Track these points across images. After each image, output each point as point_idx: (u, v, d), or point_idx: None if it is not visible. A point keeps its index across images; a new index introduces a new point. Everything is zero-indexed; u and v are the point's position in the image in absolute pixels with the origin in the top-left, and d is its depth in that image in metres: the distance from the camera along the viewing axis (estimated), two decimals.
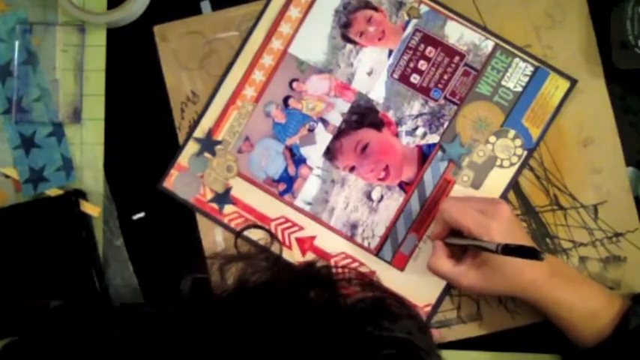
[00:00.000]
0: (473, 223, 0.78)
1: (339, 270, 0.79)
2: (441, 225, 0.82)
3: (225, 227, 0.88)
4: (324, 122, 0.88)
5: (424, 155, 0.88)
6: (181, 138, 0.89)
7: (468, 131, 0.87)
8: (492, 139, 0.87)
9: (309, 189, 0.88)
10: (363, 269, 0.87)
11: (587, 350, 0.79)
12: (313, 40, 0.89)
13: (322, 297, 0.65)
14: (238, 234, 0.87)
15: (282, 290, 0.66)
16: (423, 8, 0.88)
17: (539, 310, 0.81)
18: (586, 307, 0.78)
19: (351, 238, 0.88)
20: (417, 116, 0.88)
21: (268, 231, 0.87)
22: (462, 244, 0.81)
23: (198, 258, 0.87)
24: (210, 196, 0.89)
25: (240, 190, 0.89)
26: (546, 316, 0.81)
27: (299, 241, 0.88)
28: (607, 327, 0.77)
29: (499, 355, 0.86)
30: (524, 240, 0.80)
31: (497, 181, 0.87)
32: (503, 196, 0.87)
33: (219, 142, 0.89)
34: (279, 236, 0.88)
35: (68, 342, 0.72)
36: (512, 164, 0.87)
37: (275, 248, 0.86)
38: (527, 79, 0.87)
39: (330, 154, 0.88)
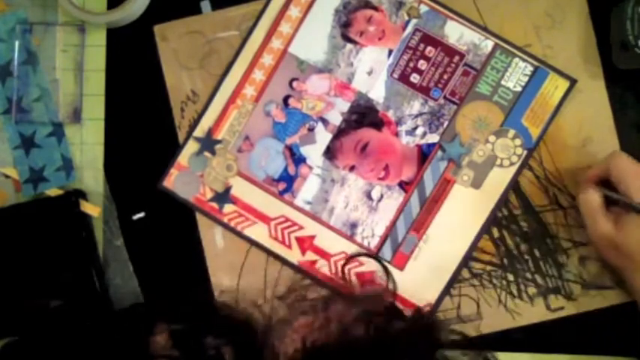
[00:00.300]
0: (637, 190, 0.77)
1: (342, 273, 0.80)
2: (599, 173, 0.81)
3: (225, 227, 0.88)
4: (324, 122, 0.89)
5: (424, 155, 0.88)
6: (181, 137, 0.89)
7: (467, 131, 0.87)
8: (492, 138, 0.87)
9: (308, 188, 0.88)
10: (362, 269, 0.87)
11: None
12: (313, 39, 0.89)
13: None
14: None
15: (385, 351, 0.67)
16: (423, 8, 0.88)
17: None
18: None
19: (350, 238, 0.88)
20: (416, 116, 0.88)
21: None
22: (613, 198, 0.80)
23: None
24: (210, 195, 0.89)
25: (240, 189, 0.89)
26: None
27: (299, 240, 0.88)
28: None
29: (499, 355, 0.86)
30: None
31: (497, 180, 0.87)
32: (503, 196, 0.87)
33: (219, 142, 0.89)
34: (279, 236, 0.88)
35: (68, 342, 0.72)
36: (512, 164, 0.87)
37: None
38: (526, 78, 0.87)
39: (330, 153, 0.88)
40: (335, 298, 0.80)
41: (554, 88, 0.87)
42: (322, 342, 0.72)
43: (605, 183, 0.81)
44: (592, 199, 0.80)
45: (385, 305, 0.81)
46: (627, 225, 0.77)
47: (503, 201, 0.87)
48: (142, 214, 0.89)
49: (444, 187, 0.87)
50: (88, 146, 0.89)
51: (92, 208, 0.87)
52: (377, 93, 0.88)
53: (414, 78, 0.88)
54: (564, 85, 0.87)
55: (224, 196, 0.88)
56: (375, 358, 0.69)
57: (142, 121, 0.90)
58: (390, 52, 0.88)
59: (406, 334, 0.75)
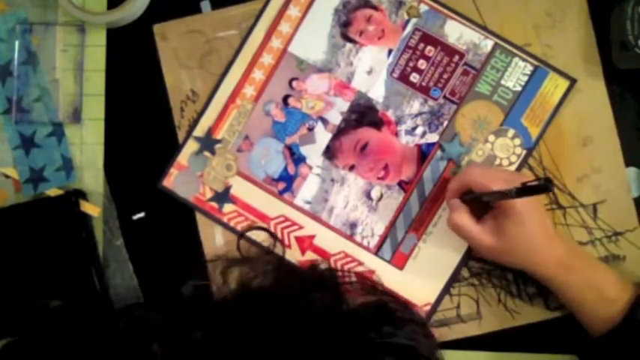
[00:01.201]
0: (503, 183, 0.77)
1: (342, 272, 0.80)
2: (461, 185, 0.82)
3: (225, 226, 0.88)
4: (324, 121, 0.89)
5: (423, 154, 0.88)
6: (181, 137, 0.89)
7: (467, 130, 0.87)
8: (492, 138, 0.87)
9: (308, 188, 0.88)
10: (361, 268, 0.87)
11: (597, 339, 0.78)
12: (313, 39, 0.89)
13: (326, 301, 0.65)
14: (240, 235, 0.87)
15: (285, 294, 0.66)
16: (423, 7, 0.88)
17: (552, 292, 0.81)
18: (597, 292, 0.78)
19: (350, 237, 0.88)
20: (416, 115, 0.88)
21: (270, 232, 0.87)
22: (475, 200, 0.80)
23: (199, 260, 0.88)
24: (209, 195, 0.89)
25: (240, 189, 0.89)
26: (556, 296, 0.81)
27: (298, 240, 0.88)
28: (617, 315, 0.76)
29: (498, 354, 0.87)
30: (546, 218, 0.79)
31: None
32: None
33: (218, 141, 0.89)
34: (279, 235, 0.88)
35: (68, 342, 0.72)
36: (511, 163, 0.87)
37: (277, 249, 0.86)
38: (526, 78, 0.87)
39: (329, 153, 0.88)
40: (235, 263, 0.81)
41: (554, 87, 0.87)
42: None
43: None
44: (460, 217, 0.80)
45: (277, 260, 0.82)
46: (506, 229, 0.78)
47: None
48: (142, 214, 0.89)
49: (443, 186, 0.87)
50: (88, 146, 0.89)
51: (92, 208, 0.87)
52: (377, 92, 0.88)
53: (414, 77, 0.88)
54: (564, 84, 0.87)
55: (224, 196, 0.89)
56: (280, 299, 0.68)
57: (142, 121, 0.90)
58: (390, 51, 0.88)
59: (304, 276, 0.75)
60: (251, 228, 0.87)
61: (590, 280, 0.78)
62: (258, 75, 0.89)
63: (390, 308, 0.68)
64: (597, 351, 0.79)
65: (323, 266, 0.83)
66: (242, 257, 0.78)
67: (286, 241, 0.88)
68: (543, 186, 0.69)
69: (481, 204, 0.80)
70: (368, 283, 0.82)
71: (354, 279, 0.82)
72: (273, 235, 0.87)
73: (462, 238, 0.83)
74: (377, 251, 0.88)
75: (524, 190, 0.72)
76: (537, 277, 0.80)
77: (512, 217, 0.77)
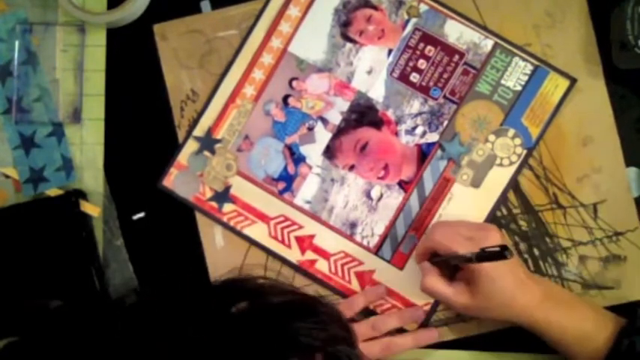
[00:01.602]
0: (465, 242, 0.78)
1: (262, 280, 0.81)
2: (425, 248, 0.83)
3: (225, 226, 0.88)
4: (324, 121, 0.89)
5: (423, 154, 0.88)
6: (181, 137, 0.90)
7: (467, 130, 0.87)
8: (492, 137, 0.87)
9: (308, 187, 0.88)
10: (361, 268, 0.87)
11: None
12: (313, 38, 0.89)
13: (245, 307, 0.67)
14: None
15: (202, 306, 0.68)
16: (423, 7, 0.88)
17: (531, 332, 0.81)
18: (579, 329, 0.78)
19: (350, 237, 0.88)
20: (416, 115, 0.88)
21: None
22: (445, 261, 0.80)
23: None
24: (209, 194, 0.89)
25: (240, 188, 0.89)
26: (543, 340, 0.80)
27: (298, 239, 0.88)
28: (601, 349, 0.77)
29: (498, 354, 0.87)
30: (516, 266, 0.79)
31: (496, 180, 0.87)
32: (502, 195, 0.87)
33: (218, 141, 0.89)
34: (279, 235, 0.88)
35: (68, 342, 0.72)
36: (511, 163, 0.87)
37: None
38: (526, 78, 0.87)
39: (329, 152, 0.88)
40: None
41: (554, 87, 0.87)
42: None
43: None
44: (432, 281, 0.80)
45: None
46: (478, 287, 0.78)
47: (502, 200, 0.87)
48: (142, 214, 0.90)
49: (443, 186, 0.87)
50: (88, 146, 0.89)
51: (92, 208, 0.87)
52: (376, 92, 0.88)
53: (414, 77, 0.88)
54: (564, 84, 0.87)
55: (224, 196, 0.89)
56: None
57: (142, 121, 0.90)
58: (390, 51, 0.88)
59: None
60: None
61: (569, 319, 0.79)
62: (258, 75, 0.89)
63: (298, 303, 0.70)
64: None
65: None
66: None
67: (286, 241, 0.88)
68: (499, 254, 0.70)
69: (448, 265, 0.81)
70: (284, 286, 0.84)
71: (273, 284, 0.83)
72: None
73: (439, 300, 0.84)
74: (377, 251, 0.88)
75: (483, 257, 0.73)
76: (519, 325, 0.80)
77: (482, 276, 0.77)
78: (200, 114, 0.89)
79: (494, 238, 0.78)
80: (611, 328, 0.78)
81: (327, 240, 0.88)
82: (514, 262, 0.79)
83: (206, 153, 0.89)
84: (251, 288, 0.73)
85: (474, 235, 0.79)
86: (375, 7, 0.89)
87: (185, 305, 0.70)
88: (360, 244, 0.88)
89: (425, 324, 0.87)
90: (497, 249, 0.71)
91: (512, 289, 0.77)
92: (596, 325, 0.78)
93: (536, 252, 0.87)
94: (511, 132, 0.87)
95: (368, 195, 0.88)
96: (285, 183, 0.89)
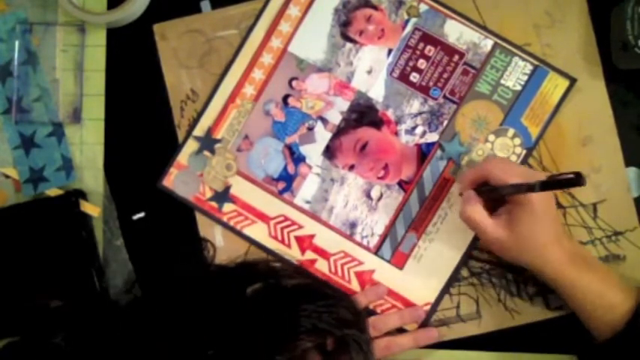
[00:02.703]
0: (520, 179, 0.76)
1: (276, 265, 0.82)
2: (475, 177, 0.81)
3: (225, 226, 0.88)
4: (324, 121, 0.89)
5: (423, 154, 0.88)
6: (181, 136, 0.90)
7: (467, 130, 0.87)
8: (491, 137, 0.87)
9: (308, 187, 0.88)
10: (361, 268, 0.87)
11: (600, 344, 0.78)
12: (313, 38, 0.89)
13: (257, 289, 0.68)
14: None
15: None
16: (423, 7, 0.88)
17: (556, 293, 0.80)
18: (602, 297, 0.77)
19: (350, 237, 0.88)
20: (416, 115, 0.88)
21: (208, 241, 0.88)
22: (491, 193, 0.79)
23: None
24: (209, 194, 0.89)
25: (240, 188, 0.89)
26: (562, 298, 0.80)
27: (298, 239, 0.88)
28: (621, 321, 0.76)
29: (498, 354, 0.87)
30: (558, 219, 0.80)
31: None
32: None
33: (218, 141, 0.89)
34: (279, 235, 0.88)
35: (68, 342, 0.72)
36: None
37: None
38: (526, 77, 0.87)
39: (329, 152, 0.89)
40: None
41: (553, 87, 0.87)
42: None
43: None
44: (474, 210, 0.80)
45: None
46: (519, 224, 0.77)
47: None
48: (142, 214, 0.90)
49: (443, 186, 0.87)
50: (88, 146, 0.89)
51: (92, 208, 0.87)
52: (376, 92, 0.88)
53: (414, 77, 0.88)
54: (564, 84, 0.87)
55: (223, 196, 0.89)
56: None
57: (142, 121, 0.90)
58: (390, 51, 0.88)
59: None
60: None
61: (594, 283, 0.78)
62: (258, 74, 0.89)
63: (306, 287, 0.71)
64: (599, 356, 0.79)
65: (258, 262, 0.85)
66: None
67: (286, 241, 0.88)
68: (574, 180, 0.68)
69: (495, 197, 0.80)
70: (295, 269, 0.85)
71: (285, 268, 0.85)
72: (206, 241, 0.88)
73: (472, 230, 0.82)
74: (377, 251, 0.88)
75: (552, 184, 0.71)
76: (543, 277, 0.80)
77: (527, 213, 0.77)
78: (200, 114, 0.89)
79: (544, 177, 0.77)
80: (633, 302, 0.77)
81: (327, 240, 0.88)
82: (557, 215, 0.80)
83: (206, 153, 0.89)
84: (265, 270, 0.73)
85: (527, 174, 0.78)
86: (374, 7, 0.89)
87: (202, 286, 0.71)
88: (360, 244, 0.88)
89: (425, 324, 0.87)
90: (571, 176, 0.69)
91: (549, 236, 0.77)
92: (620, 296, 0.77)
93: None
94: (511, 132, 0.87)
95: (368, 195, 0.88)
96: (285, 183, 0.89)
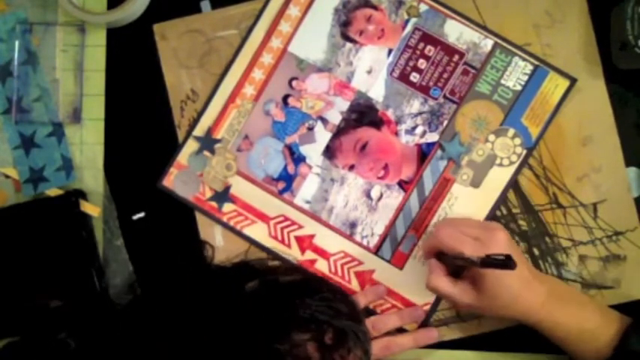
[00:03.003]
0: (469, 251, 0.77)
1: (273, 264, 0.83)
2: (431, 246, 0.82)
3: (225, 226, 0.88)
4: (324, 121, 0.89)
5: (423, 154, 0.88)
6: (181, 136, 0.90)
7: (467, 130, 0.87)
8: (492, 137, 0.87)
9: (308, 187, 0.88)
10: (361, 268, 0.87)
11: None
12: (313, 38, 0.89)
13: (255, 285, 0.69)
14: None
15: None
16: (423, 7, 0.88)
17: (538, 331, 0.81)
18: (584, 328, 0.78)
19: (350, 237, 0.88)
20: (416, 115, 0.88)
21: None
22: (451, 262, 0.80)
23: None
24: (209, 194, 0.89)
25: (240, 188, 0.89)
26: (548, 338, 0.80)
27: (298, 239, 0.88)
28: (606, 347, 0.77)
29: (498, 354, 0.87)
30: (521, 265, 0.78)
31: (496, 179, 0.87)
32: (502, 195, 0.87)
33: (218, 141, 0.89)
34: (279, 235, 0.88)
35: (68, 342, 0.72)
36: (511, 163, 0.87)
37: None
38: (526, 77, 0.87)
39: (329, 152, 0.88)
40: None
41: (554, 87, 0.87)
42: None
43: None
44: (439, 282, 0.80)
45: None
46: (484, 286, 0.78)
47: (502, 200, 0.87)
48: (142, 214, 0.90)
49: (443, 186, 0.87)
50: (88, 146, 0.89)
51: (92, 208, 0.87)
52: (376, 92, 0.88)
53: (414, 77, 0.88)
54: (564, 84, 0.87)
55: (223, 196, 0.89)
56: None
57: (142, 121, 0.90)
58: (390, 51, 0.88)
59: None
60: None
61: (573, 317, 0.79)
62: (258, 74, 0.89)
63: (303, 282, 0.71)
64: None
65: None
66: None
67: (286, 241, 0.88)
68: (504, 263, 0.70)
69: (455, 264, 0.81)
70: (291, 268, 0.86)
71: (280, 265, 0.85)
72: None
73: (445, 299, 0.84)
74: (377, 251, 0.88)
75: (488, 263, 0.72)
76: (524, 323, 0.80)
77: (487, 277, 0.77)
78: (200, 114, 0.89)
79: (501, 238, 0.78)
80: (617, 326, 0.78)
81: (327, 240, 0.88)
82: (520, 261, 0.78)
83: (206, 153, 0.89)
84: (262, 268, 0.74)
85: (480, 235, 0.79)
86: (374, 7, 0.89)
87: (201, 285, 0.71)
88: (360, 244, 0.88)
89: (425, 324, 0.87)
90: (502, 258, 0.71)
91: (518, 289, 0.77)
92: (602, 323, 0.78)
93: (536, 252, 0.87)
94: (511, 132, 0.87)
95: (368, 195, 0.88)
96: (285, 183, 0.89)
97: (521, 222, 0.87)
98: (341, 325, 0.67)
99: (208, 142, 0.89)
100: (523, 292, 0.78)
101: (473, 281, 0.79)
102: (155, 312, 0.70)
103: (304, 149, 0.89)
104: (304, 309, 0.66)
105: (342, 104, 0.88)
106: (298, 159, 0.89)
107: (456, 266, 0.82)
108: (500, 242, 0.78)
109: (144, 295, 0.84)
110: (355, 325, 0.68)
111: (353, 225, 0.88)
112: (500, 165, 0.87)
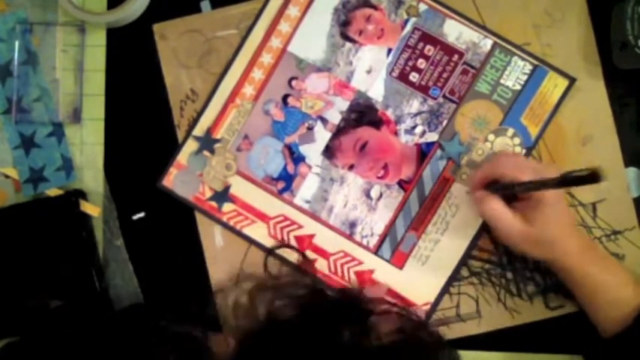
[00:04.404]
0: (533, 173, 0.76)
1: (373, 299, 0.81)
2: (486, 177, 0.81)
3: (225, 225, 0.88)
4: (323, 120, 0.89)
5: (423, 153, 0.88)
6: (180, 136, 0.90)
7: (466, 129, 0.87)
8: (491, 137, 0.87)
9: (308, 187, 0.89)
10: (361, 268, 0.87)
11: (607, 340, 0.78)
12: (312, 38, 0.89)
13: (353, 333, 0.66)
14: (269, 252, 0.88)
15: (313, 326, 0.67)
16: (422, 7, 0.88)
17: (567, 284, 0.81)
18: (612, 290, 0.78)
19: (350, 237, 0.88)
20: (415, 114, 0.88)
21: (301, 253, 0.88)
22: (509, 189, 0.79)
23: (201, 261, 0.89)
24: (209, 194, 0.89)
25: (239, 188, 0.89)
26: (573, 292, 0.81)
27: (298, 239, 0.88)
28: (629, 316, 0.76)
29: (498, 354, 0.87)
30: (569, 214, 0.81)
31: None
32: None
33: (218, 141, 0.89)
34: (278, 235, 0.88)
35: (68, 342, 0.72)
36: None
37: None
38: (525, 77, 0.87)
39: (329, 152, 0.89)
40: (263, 287, 0.82)
41: (553, 86, 0.87)
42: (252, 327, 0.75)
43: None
44: (495, 204, 0.79)
45: (307, 285, 0.83)
46: (537, 217, 0.78)
47: None
48: (142, 214, 0.90)
49: (443, 185, 0.87)
50: (88, 146, 0.90)
51: (92, 208, 0.88)
52: (376, 92, 0.88)
53: (413, 77, 0.88)
54: (563, 83, 0.87)
55: (223, 195, 0.89)
56: (307, 333, 0.69)
57: (142, 121, 0.90)
58: (389, 50, 0.88)
59: (334, 307, 0.76)
60: (280, 246, 0.87)
61: (605, 276, 0.78)
62: (257, 74, 0.89)
63: (419, 346, 0.69)
64: (606, 352, 0.79)
65: (354, 291, 0.85)
66: (271, 282, 0.80)
67: (286, 241, 0.88)
68: (591, 177, 0.66)
69: (507, 194, 0.80)
70: (401, 313, 0.83)
71: (387, 306, 0.83)
72: (303, 256, 0.87)
73: (492, 225, 0.81)
74: (376, 250, 0.88)
75: (569, 181, 0.72)
76: (559, 268, 0.80)
77: (540, 208, 0.77)
78: (200, 114, 0.89)
79: (556, 171, 0.78)
80: None
81: (327, 239, 0.88)
82: (569, 209, 0.82)
83: (206, 153, 0.89)
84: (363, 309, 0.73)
85: (539, 168, 0.78)
86: (374, 7, 0.89)
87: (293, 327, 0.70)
88: (360, 244, 0.88)
89: (425, 323, 0.87)
90: (586, 173, 0.67)
91: (565, 226, 0.78)
92: (631, 292, 0.78)
93: None
94: (510, 131, 0.87)
95: (367, 194, 0.88)
96: (285, 182, 0.89)
97: None
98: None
99: (208, 142, 0.89)
100: (569, 231, 0.78)
101: (525, 213, 0.78)
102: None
103: (304, 149, 0.89)
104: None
105: (342, 104, 0.88)
106: (298, 159, 0.89)
107: (504, 199, 0.80)
108: (556, 174, 0.77)
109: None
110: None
111: (353, 225, 0.88)
112: None
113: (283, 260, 0.88)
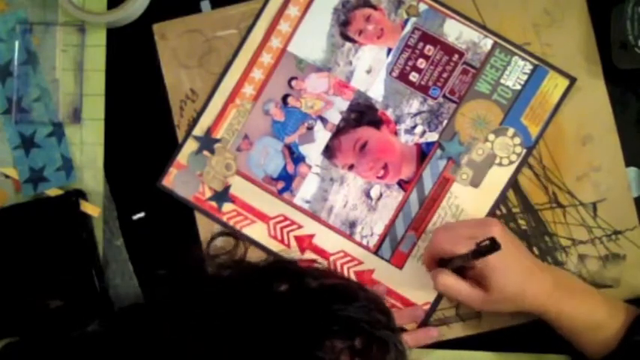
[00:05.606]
0: (467, 242, 0.77)
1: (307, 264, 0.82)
2: (431, 255, 0.83)
3: (225, 225, 0.88)
4: (323, 120, 0.89)
5: (423, 153, 0.88)
6: (180, 136, 0.90)
7: (467, 129, 0.87)
8: (491, 137, 0.87)
9: (308, 187, 0.89)
10: (361, 268, 0.87)
11: None
12: (312, 38, 0.89)
13: (287, 287, 0.68)
14: (212, 239, 0.87)
15: (249, 281, 0.69)
16: (422, 6, 0.88)
17: (545, 321, 0.81)
18: (590, 319, 0.78)
19: (349, 237, 0.88)
20: (415, 114, 0.88)
21: (234, 235, 0.87)
22: (452, 264, 0.80)
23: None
24: (209, 194, 0.89)
25: (239, 188, 0.89)
26: (554, 328, 0.81)
27: (298, 239, 0.88)
28: (612, 338, 0.77)
29: (498, 354, 0.87)
30: (523, 256, 0.80)
31: (496, 179, 0.87)
32: (502, 194, 0.87)
33: (218, 141, 0.89)
34: (278, 235, 0.88)
35: (68, 342, 0.72)
36: (511, 162, 0.87)
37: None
38: (526, 77, 0.87)
39: (329, 152, 0.89)
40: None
41: (553, 86, 0.87)
42: None
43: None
44: (447, 280, 0.80)
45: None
46: (490, 282, 0.78)
47: (502, 199, 0.87)
48: (142, 214, 0.90)
49: (443, 185, 0.87)
50: (88, 146, 0.90)
51: (92, 208, 0.88)
52: (376, 92, 0.88)
53: (413, 77, 0.88)
54: (564, 83, 0.87)
55: (223, 195, 0.89)
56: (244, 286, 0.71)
57: (142, 121, 0.90)
58: (389, 50, 0.88)
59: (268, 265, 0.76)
60: (221, 233, 0.87)
61: (579, 307, 0.79)
62: (257, 74, 0.89)
63: (343, 288, 0.70)
64: None
65: (287, 259, 0.85)
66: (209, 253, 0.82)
67: (285, 241, 0.88)
68: (490, 246, 0.70)
69: (458, 266, 0.81)
70: (325, 270, 0.84)
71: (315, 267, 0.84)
72: (236, 237, 0.86)
73: (450, 298, 0.84)
74: (376, 250, 0.88)
75: (478, 253, 0.73)
76: (532, 314, 0.81)
77: (489, 272, 0.77)
78: (199, 113, 0.89)
79: (495, 231, 0.78)
80: (623, 317, 0.78)
81: (327, 239, 0.88)
82: (521, 252, 0.80)
83: (205, 153, 0.89)
84: (295, 269, 0.74)
85: (475, 232, 0.78)
86: (374, 7, 0.89)
87: (230, 283, 0.71)
88: (360, 244, 0.88)
89: (425, 323, 0.87)
90: (487, 243, 0.71)
91: (523, 280, 0.77)
92: (608, 314, 0.78)
93: (535, 251, 0.87)
94: (510, 131, 0.87)
95: (367, 194, 0.88)
96: (285, 182, 0.89)
97: (520, 221, 0.87)
98: (381, 335, 0.66)
99: (208, 142, 0.89)
100: (528, 283, 0.78)
101: (478, 281, 0.79)
102: (185, 309, 0.69)
103: (304, 149, 0.89)
104: (342, 316, 0.65)
105: (342, 104, 0.88)
106: (298, 159, 0.89)
107: (459, 271, 0.81)
108: (495, 235, 0.76)
109: (171, 293, 0.84)
110: (393, 336, 0.67)
111: (352, 225, 0.88)
112: (500, 164, 0.87)
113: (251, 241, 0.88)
